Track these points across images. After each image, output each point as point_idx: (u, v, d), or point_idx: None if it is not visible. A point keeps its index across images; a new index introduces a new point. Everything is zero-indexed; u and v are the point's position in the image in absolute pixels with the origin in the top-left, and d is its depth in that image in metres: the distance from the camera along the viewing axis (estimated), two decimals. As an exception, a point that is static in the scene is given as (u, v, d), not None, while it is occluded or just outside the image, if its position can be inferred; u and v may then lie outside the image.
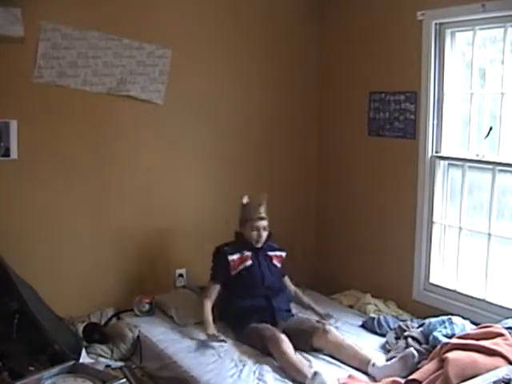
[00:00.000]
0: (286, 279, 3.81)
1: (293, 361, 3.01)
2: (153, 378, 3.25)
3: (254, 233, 3.58)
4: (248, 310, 3.43)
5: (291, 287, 3.81)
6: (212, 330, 3.34)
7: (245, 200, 3.62)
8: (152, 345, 3.38)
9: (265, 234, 3.61)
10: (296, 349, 3.14)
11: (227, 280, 3.56)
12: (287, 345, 3.10)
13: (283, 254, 3.75)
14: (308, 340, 3.23)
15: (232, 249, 3.60)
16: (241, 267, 3.55)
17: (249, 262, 3.56)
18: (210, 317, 3.44)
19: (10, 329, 2.92)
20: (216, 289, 3.57)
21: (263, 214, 3.59)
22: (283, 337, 3.15)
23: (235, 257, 3.56)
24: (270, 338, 3.16)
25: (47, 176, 3.59)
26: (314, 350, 3.23)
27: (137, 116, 3.83)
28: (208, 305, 3.50)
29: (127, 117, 3.80)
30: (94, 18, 3.59)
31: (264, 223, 3.59)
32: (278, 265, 3.70)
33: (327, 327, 3.25)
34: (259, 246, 3.61)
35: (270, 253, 3.69)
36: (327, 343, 3.19)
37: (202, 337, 3.34)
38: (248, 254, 3.58)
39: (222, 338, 3.28)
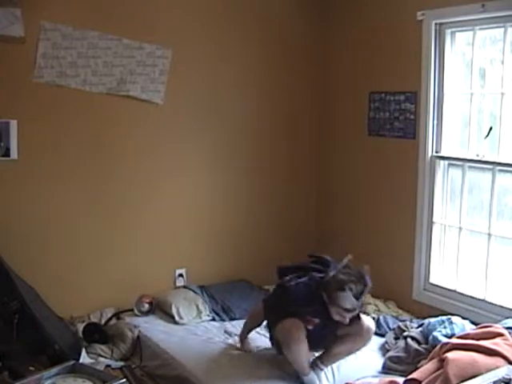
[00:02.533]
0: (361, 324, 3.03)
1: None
2: (153, 377, 3.26)
3: (338, 318, 2.88)
4: None
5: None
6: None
7: (342, 269, 2.89)
8: (152, 344, 3.39)
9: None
10: None
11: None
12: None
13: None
14: None
15: (300, 313, 2.91)
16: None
17: (310, 327, 2.94)
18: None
19: (10, 329, 2.92)
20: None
21: (358, 308, 2.87)
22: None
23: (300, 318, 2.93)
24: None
25: (47, 176, 3.59)
26: None
27: (137, 116, 3.83)
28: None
29: (127, 117, 3.80)
30: (94, 18, 3.59)
31: (354, 313, 2.89)
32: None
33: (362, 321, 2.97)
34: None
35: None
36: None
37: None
38: (316, 321, 2.94)
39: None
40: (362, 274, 2.84)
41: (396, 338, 3.32)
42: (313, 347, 2.99)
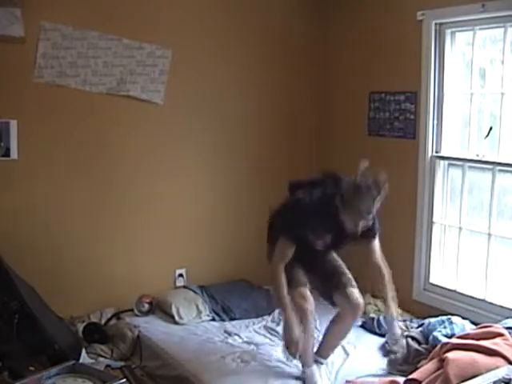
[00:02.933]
0: (374, 246, 3.02)
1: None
2: (153, 377, 3.26)
3: (352, 226, 2.80)
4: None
5: (375, 264, 3.02)
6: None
7: (359, 175, 2.79)
8: (152, 344, 3.39)
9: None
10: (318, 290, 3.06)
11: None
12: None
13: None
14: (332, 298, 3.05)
15: (314, 227, 2.85)
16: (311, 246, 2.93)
17: (320, 246, 2.95)
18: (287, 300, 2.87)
19: (10, 329, 2.92)
20: (292, 250, 2.89)
21: (373, 213, 2.78)
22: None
23: (312, 237, 2.89)
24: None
25: (47, 176, 3.59)
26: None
27: (137, 116, 3.82)
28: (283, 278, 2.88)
29: (127, 117, 3.80)
30: (94, 18, 3.59)
31: (369, 221, 2.81)
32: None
33: (355, 296, 2.97)
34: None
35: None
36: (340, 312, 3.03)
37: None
38: (328, 238, 2.92)
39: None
40: (378, 180, 2.75)
41: (396, 338, 3.32)
42: (316, 275, 3.03)
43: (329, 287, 3.05)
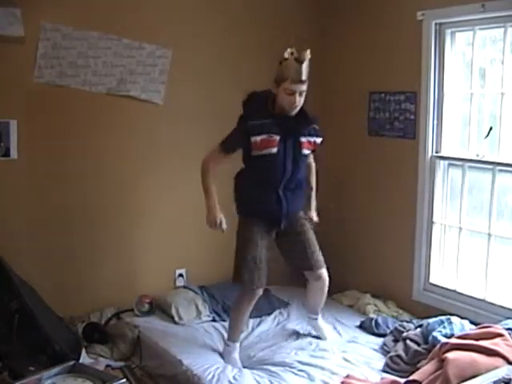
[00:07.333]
0: (310, 156, 3.39)
1: (241, 320, 3.27)
2: (153, 377, 3.26)
3: (289, 98, 2.98)
4: (257, 208, 3.27)
5: (310, 163, 3.47)
6: (217, 212, 3.21)
7: (286, 54, 3.02)
8: (152, 344, 3.39)
9: (301, 101, 3.02)
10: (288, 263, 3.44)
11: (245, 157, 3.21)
12: (251, 306, 3.25)
13: (318, 140, 3.23)
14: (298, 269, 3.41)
15: (258, 125, 3.04)
16: (264, 152, 3.07)
17: (274, 150, 3.05)
18: (213, 192, 3.26)
19: (10, 329, 2.93)
20: (222, 158, 3.24)
21: (304, 76, 2.96)
22: (256, 297, 3.22)
23: (259, 138, 3.03)
24: (247, 291, 3.22)
25: (47, 176, 3.59)
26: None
27: (137, 116, 3.83)
28: (211, 173, 3.27)
29: (127, 117, 3.80)
30: (94, 18, 3.59)
31: (302, 87, 2.97)
32: (307, 152, 3.21)
33: (323, 275, 3.34)
34: (292, 114, 3.04)
35: (303, 138, 3.14)
36: (311, 283, 3.40)
37: None
38: (276, 137, 3.03)
39: (223, 226, 3.22)
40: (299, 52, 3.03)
41: (395, 341, 3.30)
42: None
43: (301, 266, 3.36)
